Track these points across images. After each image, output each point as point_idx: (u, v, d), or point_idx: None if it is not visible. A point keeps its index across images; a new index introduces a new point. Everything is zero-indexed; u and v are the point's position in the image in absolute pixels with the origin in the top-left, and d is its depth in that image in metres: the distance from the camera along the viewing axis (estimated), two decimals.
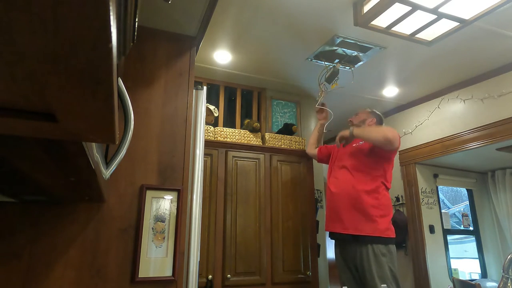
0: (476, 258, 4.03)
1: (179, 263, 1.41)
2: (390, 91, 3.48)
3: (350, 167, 2.36)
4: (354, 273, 2.26)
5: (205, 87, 1.71)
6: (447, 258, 3.64)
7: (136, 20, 0.74)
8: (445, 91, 3.38)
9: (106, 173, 0.85)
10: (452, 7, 2.04)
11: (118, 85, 0.64)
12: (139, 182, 1.44)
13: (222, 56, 2.81)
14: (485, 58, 2.82)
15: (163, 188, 1.47)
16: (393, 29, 2.27)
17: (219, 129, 2.78)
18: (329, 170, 2.57)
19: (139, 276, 1.33)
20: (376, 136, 2.26)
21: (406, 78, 3.20)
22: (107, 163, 0.86)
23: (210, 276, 2.33)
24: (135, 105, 1.46)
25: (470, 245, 4.33)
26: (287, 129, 3.06)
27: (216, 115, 2.84)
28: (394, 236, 2.23)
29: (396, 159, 3.84)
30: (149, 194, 1.44)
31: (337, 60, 2.84)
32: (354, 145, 2.47)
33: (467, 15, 2.12)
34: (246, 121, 3.00)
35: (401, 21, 2.17)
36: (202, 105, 1.66)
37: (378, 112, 2.62)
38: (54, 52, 0.27)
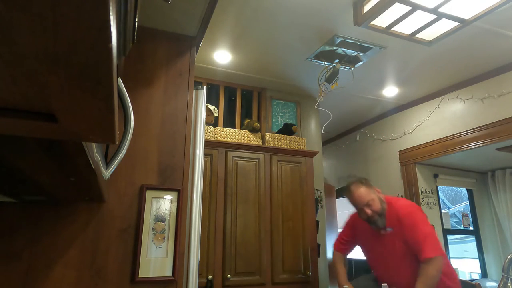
0: (476, 258, 4.03)
1: (179, 263, 1.41)
2: (390, 91, 3.48)
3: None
4: None
5: (205, 87, 1.71)
6: (447, 258, 3.64)
7: (136, 20, 0.74)
8: (445, 91, 3.39)
9: (106, 173, 0.85)
10: (452, 7, 2.04)
11: (118, 85, 0.64)
12: (139, 182, 1.44)
13: (222, 56, 2.81)
14: (485, 58, 2.82)
15: (163, 188, 1.47)
16: (393, 29, 2.27)
17: (219, 129, 2.78)
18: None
19: (139, 276, 1.33)
20: (437, 276, 1.85)
21: (406, 78, 3.21)
22: (107, 163, 0.86)
23: (210, 276, 2.33)
24: (135, 105, 1.46)
25: (470, 245, 4.33)
26: (287, 129, 3.06)
27: (216, 115, 2.84)
28: None
29: (396, 159, 3.85)
30: (149, 194, 1.44)
31: (337, 60, 2.84)
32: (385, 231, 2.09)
33: (467, 15, 2.12)
34: (246, 121, 3.00)
35: (401, 21, 2.17)
36: (202, 105, 1.66)
37: (361, 179, 2.17)
38: (54, 52, 0.27)
